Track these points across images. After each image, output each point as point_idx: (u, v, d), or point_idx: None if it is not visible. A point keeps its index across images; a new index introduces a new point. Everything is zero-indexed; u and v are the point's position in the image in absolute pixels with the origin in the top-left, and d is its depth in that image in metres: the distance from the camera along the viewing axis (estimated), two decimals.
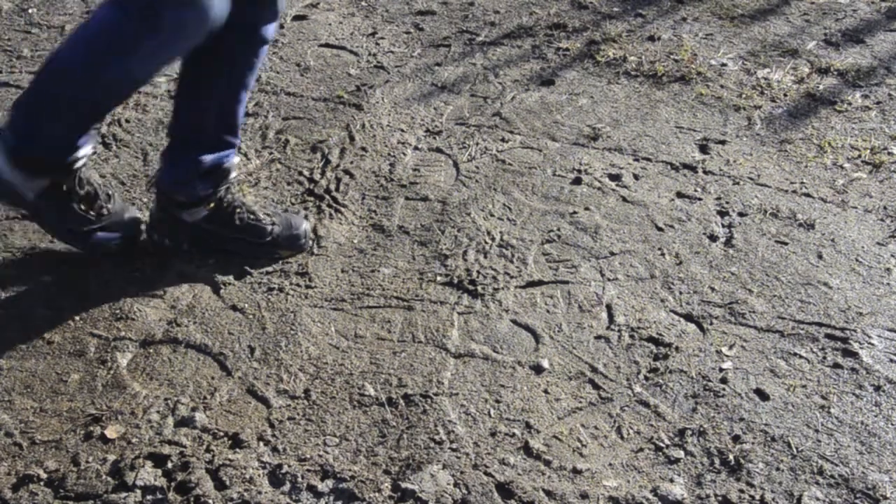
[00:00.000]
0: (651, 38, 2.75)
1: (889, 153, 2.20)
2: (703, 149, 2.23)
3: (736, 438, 1.45)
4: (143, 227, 1.84)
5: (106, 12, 1.50)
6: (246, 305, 1.72)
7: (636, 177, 2.11)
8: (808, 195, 2.05)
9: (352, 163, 2.16)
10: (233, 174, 1.79)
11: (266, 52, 1.70)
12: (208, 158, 1.72)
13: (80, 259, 1.83)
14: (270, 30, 1.65)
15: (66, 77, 1.56)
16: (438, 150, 2.21)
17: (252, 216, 1.82)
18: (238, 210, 1.81)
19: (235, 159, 1.78)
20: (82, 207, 1.72)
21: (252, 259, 1.82)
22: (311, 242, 1.87)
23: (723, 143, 2.25)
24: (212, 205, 1.77)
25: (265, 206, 1.91)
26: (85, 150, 1.67)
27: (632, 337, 1.65)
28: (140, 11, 1.45)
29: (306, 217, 1.94)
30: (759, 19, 2.89)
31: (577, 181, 2.09)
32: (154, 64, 1.55)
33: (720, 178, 2.11)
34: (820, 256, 1.86)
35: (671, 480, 1.38)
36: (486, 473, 1.39)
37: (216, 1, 1.45)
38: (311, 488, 1.36)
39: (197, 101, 1.70)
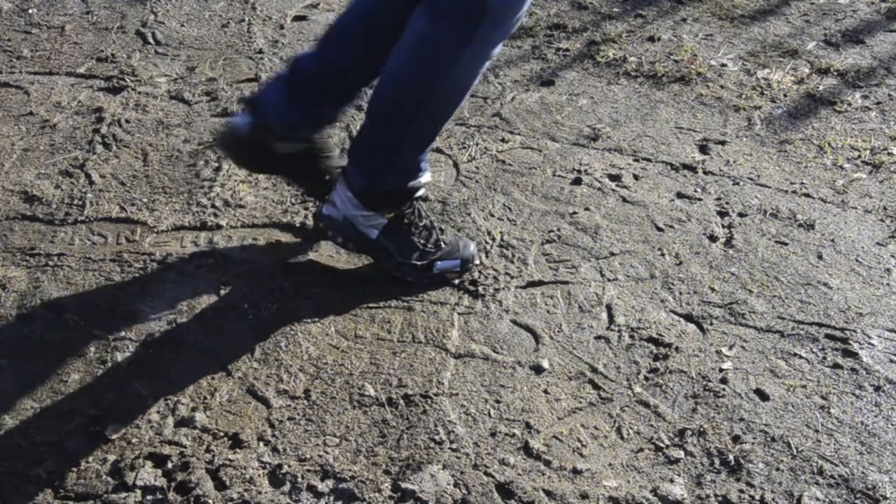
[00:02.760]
0: (651, 39, 2.75)
1: (889, 153, 2.20)
2: (703, 149, 2.23)
3: (736, 438, 1.45)
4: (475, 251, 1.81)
5: (425, 24, 1.49)
6: (246, 305, 1.72)
7: (636, 177, 2.11)
8: (808, 195, 2.05)
9: None
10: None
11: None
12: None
13: (79, 259, 1.83)
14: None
15: (393, 105, 1.58)
16: (438, 151, 2.21)
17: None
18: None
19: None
20: (422, 241, 1.74)
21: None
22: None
23: (723, 143, 2.25)
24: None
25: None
26: (424, 178, 1.70)
27: (632, 337, 1.65)
28: (464, 10, 1.45)
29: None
30: (759, 20, 2.89)
31: (577, 181, 2.09)
32: (479, 66, 1.55)
33: (720, 178, 2.11)
34: (820, 257, 1.86)
35: (671, 480, 1.38)
36: (486, 473, 1.39)
37: None
38: (311, 488, 1.36)
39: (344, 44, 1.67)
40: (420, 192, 1.71)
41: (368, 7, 1.64)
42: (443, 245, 1.76)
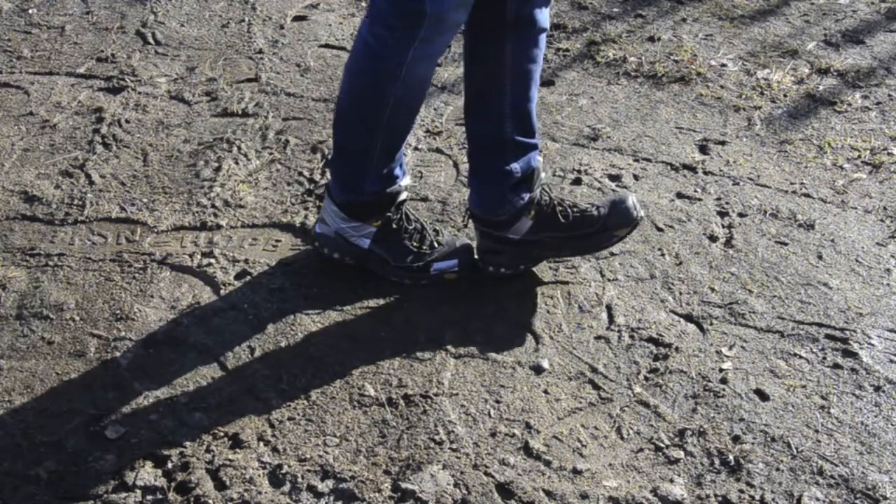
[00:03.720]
0: (651, 39, 2.75)
1: (889, 153, 2.20)
2: (703, 149, 2.23)
3: (736, 439, 1.45)
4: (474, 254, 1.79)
5: (366, 33, 1.52)
6: (246, 305, 1.72)
7: (636, 177, 2.11)
8: (807, 195, 2.05)
9: None
10: (543, 174, 1.71)
11: (545, 41, 1.62)
12: (517, 166, 1.65)
13: (79, 259, 1.83)
14: (544, 15, 1.58)
15: (356, 116, 1.60)
16: (438, 151, 2.21)
17: (575, 208, 1.70)
18: (559, 207, 1.70)
19: (540, 158, 1.70)
20: (415, 243, 1.74)
21: (584, 255, 1.76)
22: (641, 211, 1.71)
23: (723, 143, 2.25)
24: (532, 212, 1.69)
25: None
26: (404, 182, 1.71)
27: (632, 337, 1.65)
28: (400, 17, 1.46)
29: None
30: (758, 20, 2.89)
31: (577, 181, 2.09)
32: (430, 68, 1.57)
33: (720, 178, 2.11)
34: (820, 257, 1.86)
35: (671, 480, 1.38)
36: (486, 473, 1.39)
37: None
38: (311, 488, 1.36)
39: (489, 111, 1.64)
40: (402, 197, 1.72)
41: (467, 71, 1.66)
42: (437, 246, 1.75)
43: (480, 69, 1.62)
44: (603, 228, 1.68)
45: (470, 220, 1.76)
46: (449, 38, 1.54)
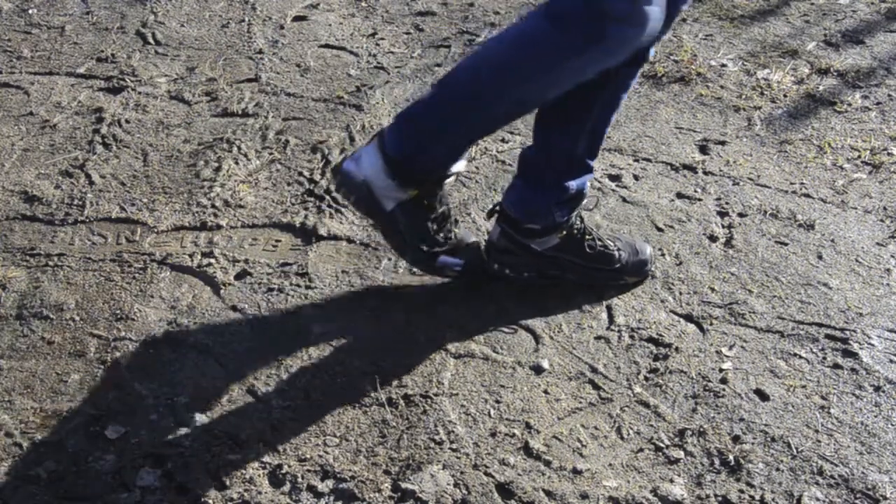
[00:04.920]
0: None
1: (889, 153, 2.20)
2: (703, 149, 2.23)
3: (736, 439, 1.45)
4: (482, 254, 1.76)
5: (534, 24, 1.42)
6: (246, 305, 1.72)
7: (636, 177, 2.11)
8: (807, 196, 2.05)
9: None
10: (585, 199, 1.70)
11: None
12: (573, 185, 1.64)
13: (79, 259, 1.83)
14: (652, 50, 1.56)
15: (470, 90, 1.49)
16: None
17: (600, 242, 1.72)
18: (588, 237, 1.72)
19: (589, 183, 1.70)
20: (434, 227, 1.65)
21: (585, 284, 1.74)
22: (654, 268, 1.78)
23: (723, 143, 2.25)
24: (563, 232, 1.68)
25: (602, 232, 1.82)
26: (458, 166, 1.61)
27: (632, 337, 1.65)
28: (582, 26, 1.36)
29: (646, 240, 1.86)
30: (758, 20, 2.89)
31: None
32: (572, 82, 1.45)
33: (720, 178, 2.11)
34: (820, 257, 1.86)
35: (671, 480, 1.38)
36: (486, 473, 1.39)
37: (656, 18, 1.37)
38: (311, 488, 1.36)
39: (570, 127, 1.60)
40: (450, 179, 1.63)
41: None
42: (452, 239, 1.70)
43: (592, 84, 1.53)
44: (617, 271, 1.73)
45: (495, 216, 1.71)
46: (615, 63, 1.44)
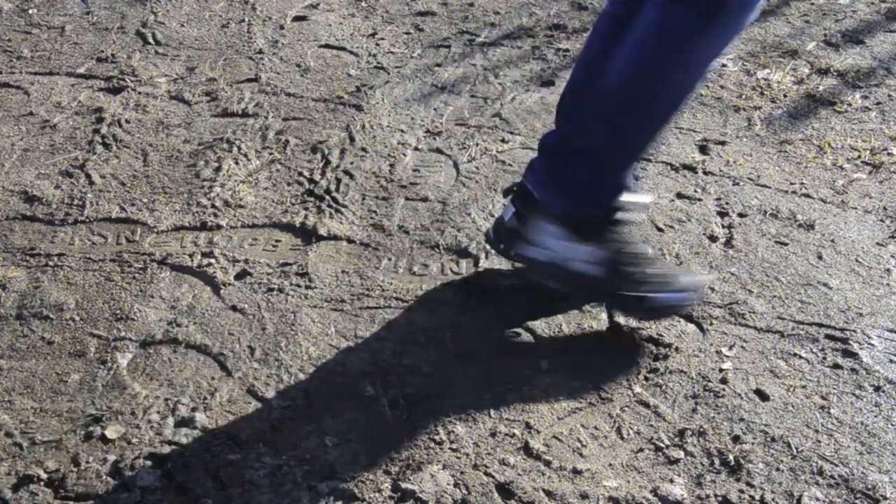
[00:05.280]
0: None
1: (889, 154, 2.20)
2: (703, 149, 2.23)
3: (736, 439, 1.45)
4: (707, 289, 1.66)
5: (657, 13, 1.38)
6: (246, 305, 1.72)
7: (636, 177, 2.11)
8: (807, 196, 2.05)
9: (352, 163, 2.16)
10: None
11: None
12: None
13: (79, 259, 1.83)
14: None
15: (620, 103, 1.43)
16: (438, 151, 2.21)
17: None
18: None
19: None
20: (636, 271, 1.53)
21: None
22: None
23: (723, 143, 2.25)
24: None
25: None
26: (642, 198, 1.52)
27: (632, 337, 1.65)
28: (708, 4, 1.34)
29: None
30: (758, 20, 2.89)
31: None
32: (712, 60, 1.42)
33: (720, 178, 2.11)
34: (820, 257, 1.86)
35: (671, 481, 1.38)
36: (486, 473, 1.39)
37: None
38: (311, 488, 1.36)
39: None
40: (629, 215, 1.53)
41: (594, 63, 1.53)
42: (662, 275, 1.56)
43: None
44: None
45: (512, 196, 1.60)
46: (739, 30, 1.42)
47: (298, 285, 1.77)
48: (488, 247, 1.71)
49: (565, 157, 1.50)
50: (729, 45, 1.44)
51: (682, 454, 1.42)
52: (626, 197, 1.52)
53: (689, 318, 1.70)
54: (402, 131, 2.29)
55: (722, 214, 1.99)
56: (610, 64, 1.46)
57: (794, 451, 1.43)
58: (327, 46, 2.73)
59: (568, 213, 1.49)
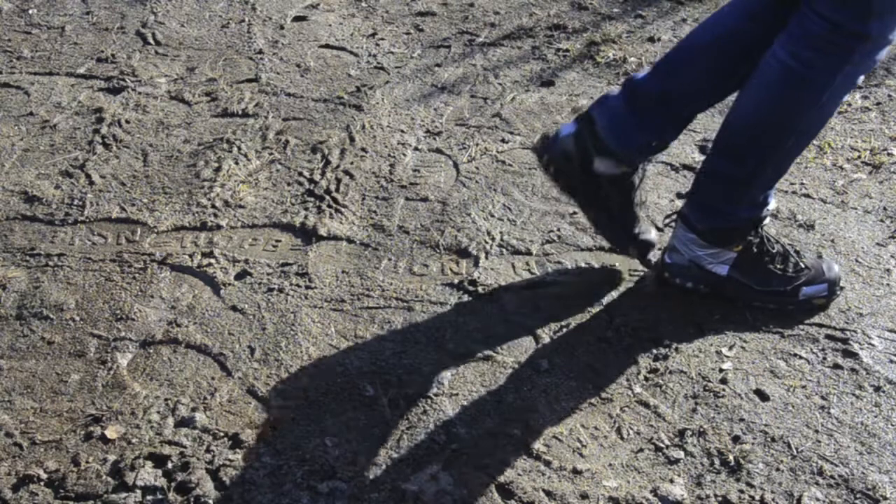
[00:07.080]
0: (651, 40, 2.75)
1: (889, 154, 2.20)
2: (703, 149, 2.22)
3: (736, 439, 1.45)
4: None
5: (789, 57, 1.43)
6: (246, 305, 1.72)
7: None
8: (807, 196, 2.05)
9: (352, 163, 2.16)
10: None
11: None
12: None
13: (79, 259, 1.83)
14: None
15: (755, 140, 1.52)
16: (438, 151, 2.21)
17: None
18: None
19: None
20: (779, 267, 1.66)
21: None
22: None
23: None
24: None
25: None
26: (772, 205, 1.64)
27: (632, 337, 1.65)
28: (833, 51, 1.40)
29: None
30: None
31: None
32: (841, 98, 1.50)
33: None
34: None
35: (671, 481, 1.38)
36: (486, 473, 1.39)
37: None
38: (311, 488, 1.36)
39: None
40: (766, 221, 1.66)
41: (723, 31, 1.57)
42: (804, 269, 1.68)
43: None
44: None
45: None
46: (880, 58, 1.45)
47: (298, 285, 1.77)
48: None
49: (707, 181, 1.62)
50: (866, 73, 1.49)
51: (682, 454, 1.42)
52: (769, 206, 1.65)
53: (690, 318, 1.70)
54: (402, 131, 2.29)
55: None
56: (744, 103, 1.53)
57: (794, 451, 1.43)
58: (327, 46, 2.73)
59: (707, 227, 1.64)
